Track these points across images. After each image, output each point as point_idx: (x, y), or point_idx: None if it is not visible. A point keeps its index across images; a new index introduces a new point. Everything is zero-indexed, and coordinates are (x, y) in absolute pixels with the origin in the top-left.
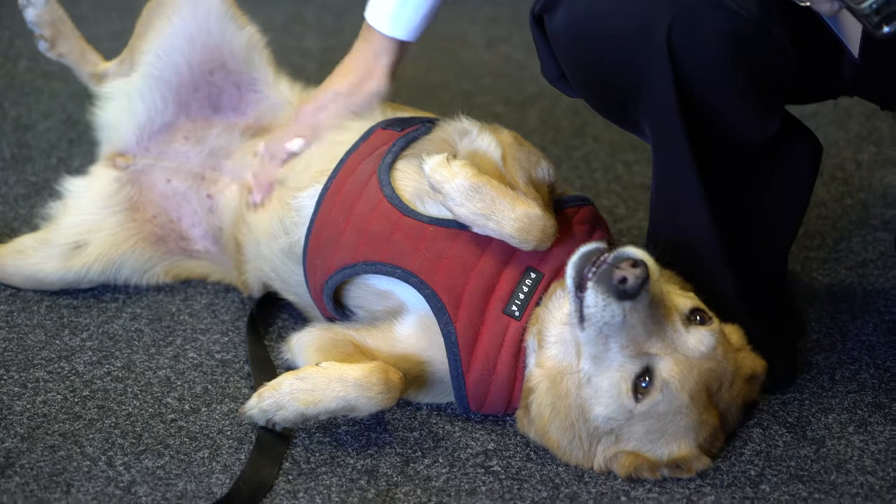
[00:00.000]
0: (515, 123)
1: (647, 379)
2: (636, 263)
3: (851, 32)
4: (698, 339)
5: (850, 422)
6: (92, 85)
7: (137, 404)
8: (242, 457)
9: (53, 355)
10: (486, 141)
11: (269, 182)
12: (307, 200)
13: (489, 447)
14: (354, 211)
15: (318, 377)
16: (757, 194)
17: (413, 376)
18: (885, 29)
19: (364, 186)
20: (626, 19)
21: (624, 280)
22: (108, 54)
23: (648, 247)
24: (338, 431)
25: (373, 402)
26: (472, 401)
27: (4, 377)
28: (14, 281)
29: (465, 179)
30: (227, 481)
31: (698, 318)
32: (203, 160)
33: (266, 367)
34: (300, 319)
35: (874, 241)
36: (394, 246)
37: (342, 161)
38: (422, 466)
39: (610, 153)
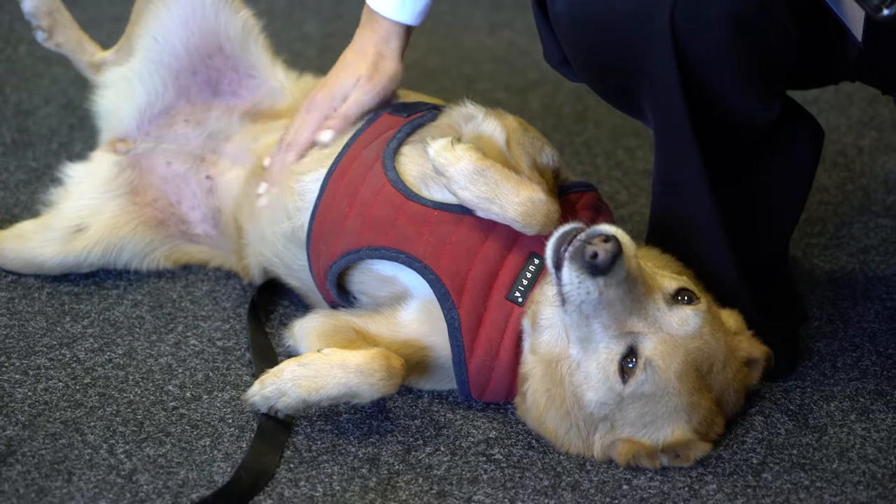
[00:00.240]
0: (517, 109)
1: (633, 360)
2: (608, 239)
3: (854, 15)
4: (682, 318)
5: (852, 410)
6: (90, 75)
7: (139, 392)
8: (244, 445)
9: (55, 342)
10: (490, 126)
11: (284, 178)
12: (311, 184)
13: (491, 435)
14: (359, 195)
15: (319, 364)
16: (758, 180)
17: (415, 362)
18: (885, 12)
19: (369, 171)
20: (628, 2)
21: (595, 255)
22: (109, 37)
23: (650, 232)
24: (339, 419)
25: (374, 389)
26: (473, 387)
27: (5, 364)
28: (14, 266)
29: (469, 163)
30: (229, 469)
31: (685, 297)
32: (203, 142)
33: (267, 355)
34: (301, 306)
35: (876, 228)
36: (398, 231)
37: (347, 145)
38: (423, 455)
39: (612, 139)
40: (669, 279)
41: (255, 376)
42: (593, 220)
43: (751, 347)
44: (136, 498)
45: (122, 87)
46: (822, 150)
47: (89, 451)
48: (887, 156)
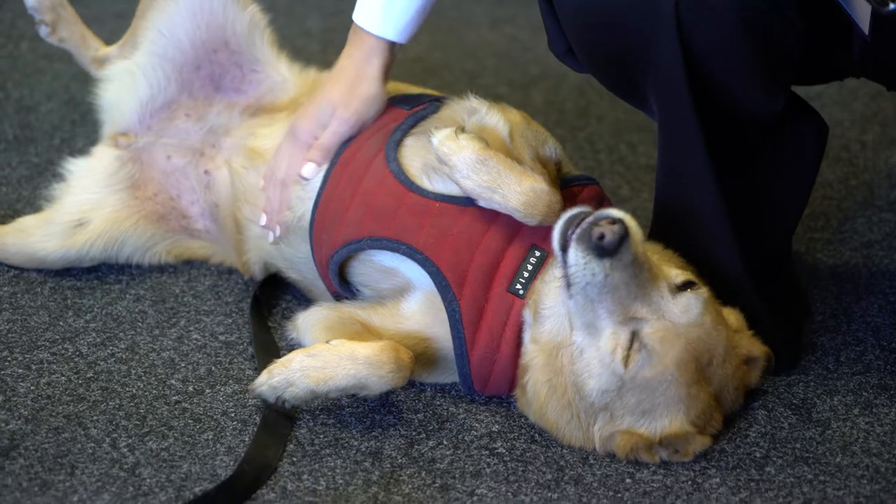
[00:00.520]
0: (519, 104)
1: (634, 346)
2: (615, 221)
3: (861, 9)
4: (684, 306)
5: (856, 404)
6: (93, 70)
7: (141, 386)
8: (246, 438)
9: (57, 337)
10: (494, 118)
11: (283, 210)
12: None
13: (494, 429)
14: (361, 186)
15: (328, 355)
16: (762, 175)
17: (417, 354)
18: (892, 6)
19: (371, 162)
20: None
21: (602, 237)
22: (111, 34)
23: (654, 225)
24: (342, 413)
25: (383, 381)
26: (475, 380)
27: (8, 359)
28: (16, 260)
29: (472, 152)
30: (232, 463)
31: (688, 287)
32: (203, 137)
33: (270, 349)
34: (303, 301)
35: (879, 222)
36: (399, 222)
37: (350, 138)
38: (426, 448)
39: (614, 134)
40: (675, 270)
41: (258, 370)
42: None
43: (751, 346)
44: (139, 491)
45: (126, 81)
46: (826, 145)
47: (92, 444)
48: (891, 151)
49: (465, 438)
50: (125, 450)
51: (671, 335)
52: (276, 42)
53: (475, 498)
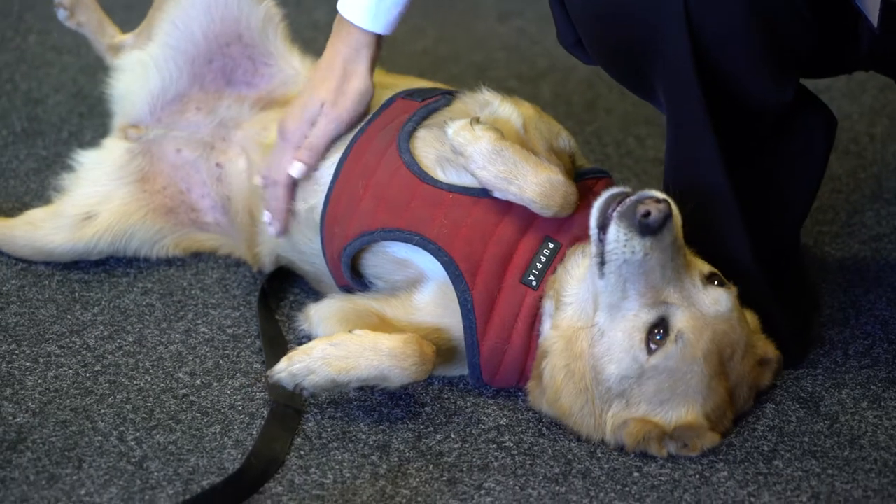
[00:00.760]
0: (528, 97)
1: (661, 332)
2: (660, 201)
3: (871, 1)
4: (715, 298)
5: (864, 397)
6: (108, 58)
7: (149, 379)
8: (254, 432)
9: (65, 330)
10: (507, 110)
11: (284, 207)
12: (326, 169)
13: (501, 423)
14: (374, 178)
15: (351, 344)
16: (770, 168)
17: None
18: None
19: (384, 154)
20: None
21: (647, 214)
22: (121, 25)
23: None
24: (350, 406)
25: (406, 374)
26: (485, 371)
27: (16, 352)
28: (25, 253)
29: (488, 143)
30: (239, 456)
31: (716, 281)
32: (213, 130)
33: (278, 342)
34: (311, 294)
35: (888, 215)
36: (412, 213)
37: (361, 130)
38: (434, 442)
39: (622, 127)
40: (703, 262)
41: (266, 364)
42: None
43: (766, 348)
44: (147, 485)
45: (138, 72)
46: (835, 138)
47: (99, 438)
48: None
49: (473, 432)
50: (133, 443)
51: (701, 324)
52: (289, 36)
53: (483, 491)
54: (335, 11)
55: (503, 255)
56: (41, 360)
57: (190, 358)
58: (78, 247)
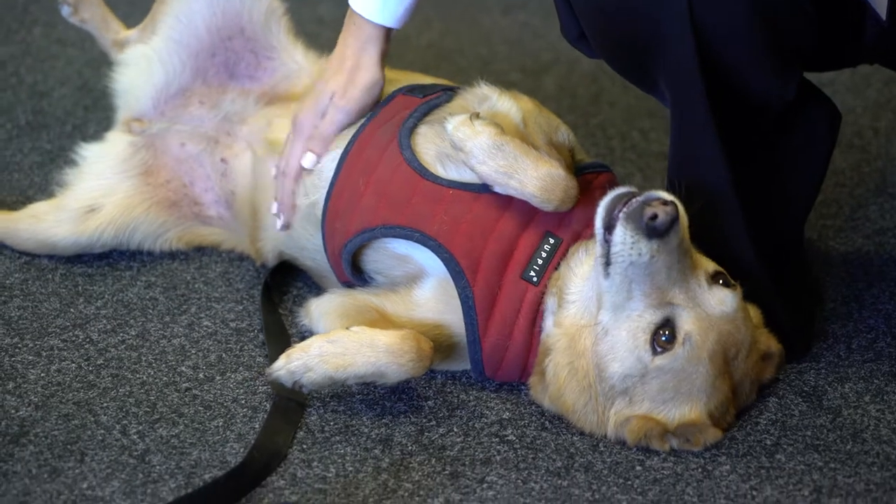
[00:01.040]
0: (531, 90)
1: (666, 333)
2: (667, 203)
3: None
4: (720, 299)
5: (867, 391)
6: (113, 53)
7: (152, 373)
8: (257, 425)
9: (68, 323)
10: (506, 104)
11: (292, 201)
12: (327, 164)
13: (504, 416)
14: (375, 174)
15: (348, 341)
16: (774, 162)
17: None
18: None
19: (385, 150)
20: None
21: (654, 217)
22: (124, 20)
23: None
24: (352, 400)
25: (403, 370)
26: (487, 366)
27: (19, 345)
28: (28, 246)
29: (488, 138)
30: (242, 450)
31: (721, 280)
32: (217, 124)
33: (280, 336)
34: (314, 288)
35: (891, 210)
36: (413, 209)
37: (363, 126)
38: (436, 435)
39: (626, 121)
40: (708, 260)
41: (269, 358)
42: None
43: (769, 342)
44: (149, 478)
45: (142, 66)
46: (839, 132)
47: (102, 431)
48: None
49: (476, 426)
50: (135, 437)
51: (706, 325)
52: (292, 30)
53: (485, 485)
54: (340, 6)
55: (504, 251)
56: (44, 354)
57: (193, 351)
58: (81, 240)
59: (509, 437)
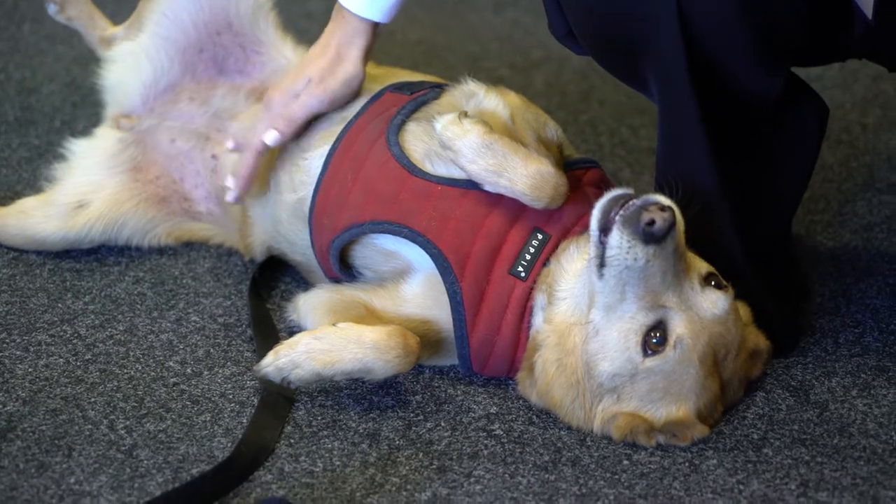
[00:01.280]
0: (521, 87)
1: (658, 335)
2: (664, 208)
3: None
4: (713, 301)
5: (854, 385)
6: (100, 50)
7: (139, 368)
8: (244, 420)
9: (56, 319)
10: (493, 101)
11: (249, 175)
12: (315, 160)
13: (491, 411)
14: (363, 170)
15: (335, 338)
16: (762, 157)
17: (418, 336)
18: None
19: (373, 146)
20: None
21: (652, 222)
22: (112, 17)
23: None
24: (340, 395)
25: (389, 366)
26: (475, 361)
27: (6, 341)
28: (16, 242)
29: (476, 136)
30: (229, 445)
31: (713, 282)
32: (208, 121)
33: (269, 331)
34: (302, 283)
35: (879, 205)
36: (401, 205)
37: (350, 122)
38: (424, 430)
39: (616, 117)
40: (701, 262)
41: (257, 353)
42: (600, 197)
43: (757, 339)
44: (136, 473)
45: (130, 62)
46: (827, 127)
47: (90, 426)
48: (891, 133)
49: (463, 420)
50: (123, 432)
51: (698, 328)
52: (281, 25)
53: (472, 479)
54: (329, 2)
55: (492, 247)
56: (32, 349)
57: (181, 347)
58: (69, 235)
59: (497, 432)
